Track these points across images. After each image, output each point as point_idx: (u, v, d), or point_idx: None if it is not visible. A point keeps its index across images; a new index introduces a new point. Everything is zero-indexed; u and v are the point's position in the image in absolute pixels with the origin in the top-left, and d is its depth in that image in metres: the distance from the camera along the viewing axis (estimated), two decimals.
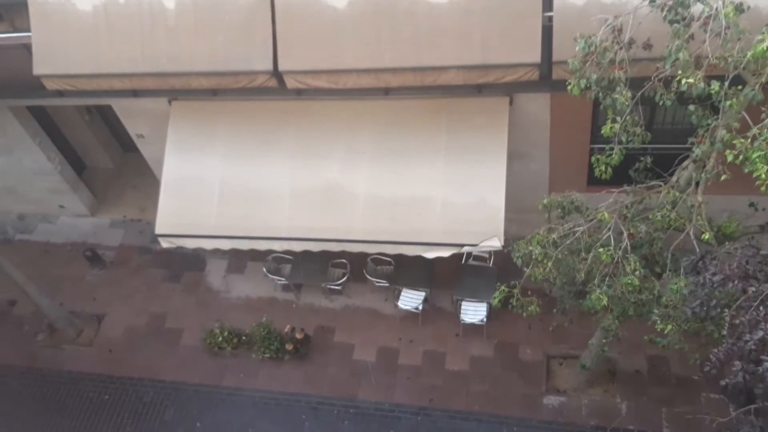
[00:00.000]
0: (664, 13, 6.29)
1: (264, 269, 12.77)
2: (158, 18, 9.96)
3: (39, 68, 10.63)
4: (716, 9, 5.99)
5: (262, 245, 11.05)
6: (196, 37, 9.89)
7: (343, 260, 12.42)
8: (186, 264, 13.88)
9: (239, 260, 13.63)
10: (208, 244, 11.36)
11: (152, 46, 10.05)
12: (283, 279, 12.76)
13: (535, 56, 8.90)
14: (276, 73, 9.91)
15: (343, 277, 12.49)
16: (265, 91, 10.35)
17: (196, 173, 11.10)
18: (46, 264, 14.50)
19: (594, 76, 6.42)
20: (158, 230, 11.16)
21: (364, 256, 11.77)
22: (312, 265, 12.51)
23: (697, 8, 6.20)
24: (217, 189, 11.00)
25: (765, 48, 5.52)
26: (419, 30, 9.25)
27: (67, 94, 11.43)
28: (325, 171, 10.60)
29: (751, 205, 8.20)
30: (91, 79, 10.50)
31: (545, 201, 7.83)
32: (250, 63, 9.84)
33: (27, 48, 10.92)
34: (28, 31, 10.75)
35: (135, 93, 11.06)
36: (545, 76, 9.12)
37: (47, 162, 14.04)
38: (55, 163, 14.23)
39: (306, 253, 11.25)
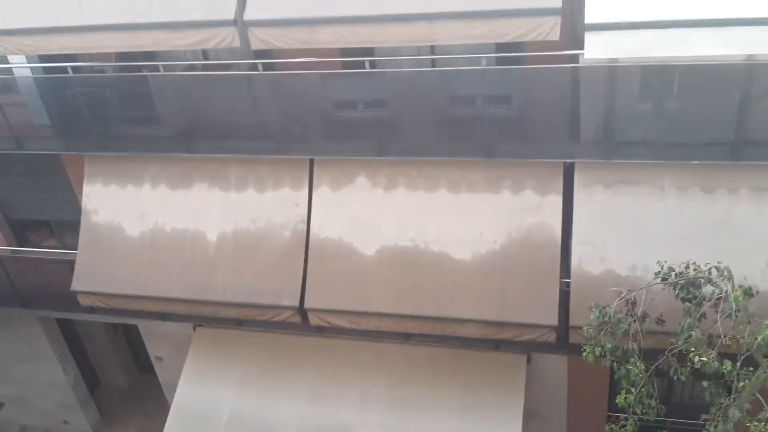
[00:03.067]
0: (677, 291, 6.61)
1: None
2: (199, 248, 10.65)
3: (77, 284, 11.17)
4: (726, 291, 6.29)
5: None
6: (231, 269, 10.45)
7: None
8: None
9: None
10: None
11: (189, 274, 10.62)
12: None
13: (552, 319, 9.16)
14: (301, 310, 10.26)
15: None
16: (288, 325, 10.63)
17: (207, 401, 11.00)
18: None
19: (609, 345, 6.59)
20: None
21: None
22: None
23: (708, 289, 6.52)
24: (225, 418, 10.82)
25: None
26: (441, 282, 9.69)
27: (98, 310, 11.84)
28: (337, 413, 10.46)
29: None
30: (125, 299, 10.95)
31: None
32: (278, 298, 10.25)
33: (70, 264, 11.59)
34: (76, 248, 11.50)
35: (163, 316, 11.43)
36: (562, 339, 9.29)
37: (63, 375, 14.08)
38: (70, 377, 14.26)
39: None
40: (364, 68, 9.39)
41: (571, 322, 9.00)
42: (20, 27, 9.39)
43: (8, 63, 10.59)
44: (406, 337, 10.48)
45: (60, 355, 14.09)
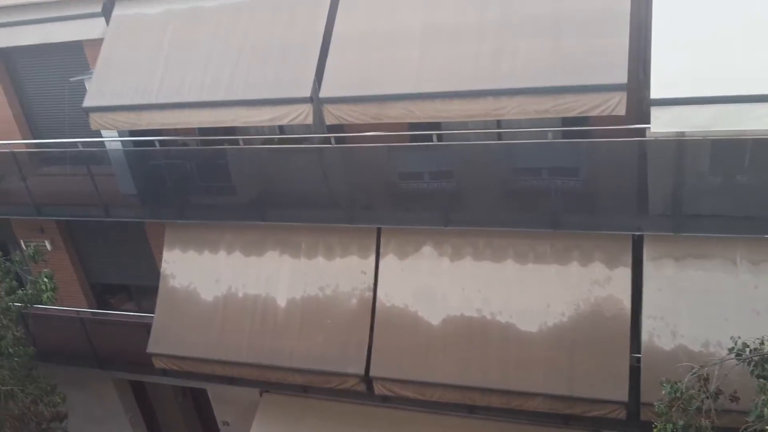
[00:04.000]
0: (751, 367, 6.41)
1: None
2: (269, 314, 10.94)
3: (153, 347, 11.58)
4: None
5: None
6: (298, 335, 10.67)
7: None
8: None
9: None
10: None
11: (258, 339, 10.89)
12: None
13: (623, 395, 8.92)
14: (366, 378, 10.31)
15: None
16: (353, 394, 10.67)
17: None
18: None
19: (681, 423, 6.39)
20: None
21: None
22: None
23: None
24: None
25: None
26: (508, 354, 9.62)
27: (170, 373, 12.19)
28: None
29: None
30: (196, 362, 11.27)
31: None
32: (343, 365, 10.36)
33: (146, 327, 12.05)
34: (151, 312, 11.99)
35: (231, 380, 11.67)
36: (633, 415, 9.01)
37: None
38: None
39: None
40: (432, 141, 9.71)
41: (643, 399, 8.74)
42: (115, 104, 10.19)
43: (101, 137, 11.40)
44: (470, 410, 10.35)
45: (131, 417, 14.47)
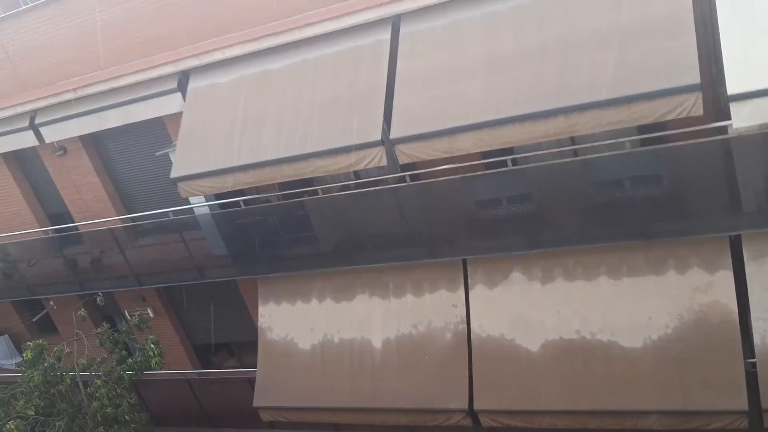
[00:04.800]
0: None
1: None
2: (366, 356, 11.04)
3: (259, 400, 11.86)
4: None
5: None
6: (398, 375, 10.71)
7: None
8: None
9: None
10: None
11: (358, 382, 10.99)
12: None
13: (742, 403, 8.48)
14: (471, 412, 10.21)
15: None
16: (460, 429, 10.57)
17: None
18: None
19: None
20: None
21: None
22: None
23: None
24: None
25: None
26: (614, 373, 9.33)
27: (277, 425, 12.42)
28: None
29: None
30: (302, 413, 11.46)
31: None
32: (446, 401, 10.30)
33: (250, 382, 12.37)
34: (253, 366, 12.30)
35: (337, 427, 11.78)
36: (755, 424, 8.55)
37: None
38: None
39: None
40: (506, 166, 9.70)
41: (764, 405, 8.30)
42: (199, 172, 10.70)
43: (189, 204, 11.96)
44: None
45: None
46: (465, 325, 10.43)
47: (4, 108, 12.98)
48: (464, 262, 10.55)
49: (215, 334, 14.76)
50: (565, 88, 8.50)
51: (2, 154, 13.88)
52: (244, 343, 14.00)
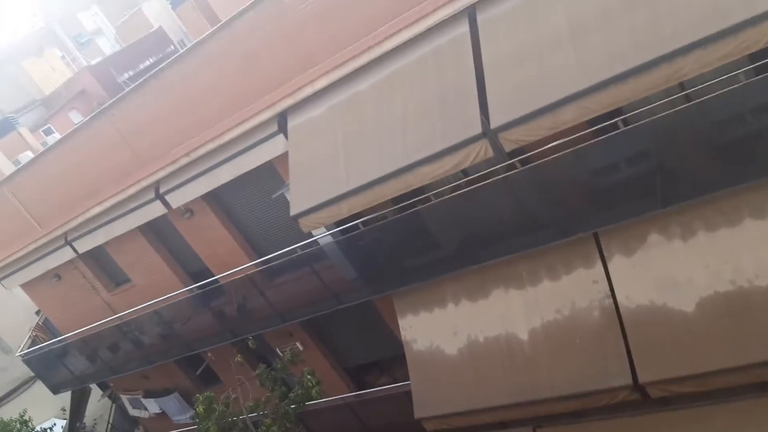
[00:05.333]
0: None
1: None
2: (515, 350, 10.90)
3: (419, 412, 11.97)
4: None
5: None
6: (552, 363, 10.48)
7: None
8: None
9: None
10: None
11: (513, 377, 10.85)
12: None
13: None
14: (637, 386, 9.81)
15: None
16: (628, 405, 10.18)
17: None
18: None
19: None
20: None
21: None
22: None
23: None
24: None
25: None
26: None
27: None
28: None
29: None
30: (463, 417, 11.45)
31: None
32: (609, 380, 9.95)
33: (407, 395, 12.52)
34: (406, 380, 12.45)
35: (502, 425, 11.66)
36: None
37: None
38: None
39: None
40: (618, 128, 9.31)
41: None
42: (316, 204, 11.01)
43: (313, 236, 12.36)
44: (761, 388, 9.39)
45: None
46: (611, 299, 10.06)
47: (131, 186, 13.98)
48: (596, 235, 10.20)
49: (364, 355, 15.11)
50: (661, 35, 8.06)
51: (138, 228, 14.93)
52: (393, 358, 14.20)
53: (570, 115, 8.83)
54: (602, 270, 10.15)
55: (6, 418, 17.92)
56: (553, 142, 9.61)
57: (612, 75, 8.39)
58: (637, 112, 9.35)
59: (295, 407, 12.39)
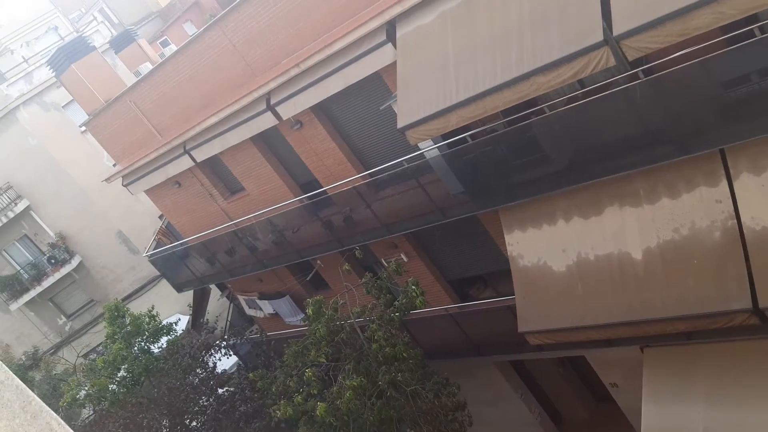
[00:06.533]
0: None
1: None
2: (627, 269, 10.60)
3: (523, 326, 12.01)
4: None
5: None
6: (666, 284, 10.14)
7: None
8: None
9: None
10: None
11: (624, 296, 10.61)
12: None
13: None
14: (756, 311, 9.35)
15: None
16: (745, 330, 9.77)
17: (677, 421, 10.61)
18: None
19: None
20: None
21: None
22: None
23: None
24: None
25: None
26: None
27: (545, 348, 12.53)
28: None
29: None
30: (569, 333, 11.40)
31: None
32: (726, 303, 9.55)
33: (510, 309, 12.57)
34: (511, 294, 12.46)
35: (608, 342, 11.54)
36: None
37: (528, 413, 15.09)
38: (536, 415, 15.20)
39: None
40: (754, 36, 8.48)
41: None
42: (424, 116, 10.87)
43: (419, 149, 12.28)
44: None
45: (522, 395, 15.16)
46: (735, 221, 9.50)
47: (243, 97, 14.29)
48: (722, 152, 9.54)
49: (467, 269, 15.19)
50: None
51: (251, 138, 15.37)
52: (496, 273, 14.21)
53: (703, 21, 8.11)
54: (727, 189, 9.54)
55: (136, 312, 19.51)
56: (680, 50, 8.91)
57: None
58: None
59: (400, 315, 12.73)
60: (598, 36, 8.83)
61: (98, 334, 26.29)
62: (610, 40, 8.79)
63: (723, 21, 8.15)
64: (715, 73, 9.23)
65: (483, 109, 10.36)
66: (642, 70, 9.56)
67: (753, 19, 8.61)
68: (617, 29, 8.66)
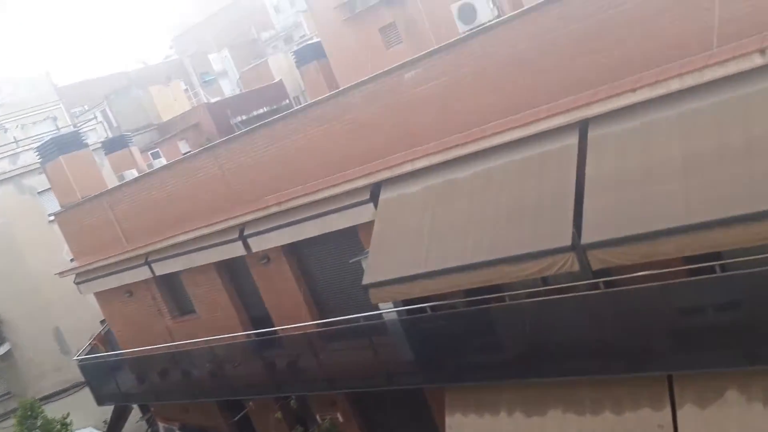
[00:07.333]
0: None
1: None
2: None
3: None
4: None
5: None
6: None
7: None
8: None
9: None
10: None
11: None
12: None
13: None
14: None
15: None
16: None
17: None
18: None
19: None
20: None
21: None
22: None
23: None
24: None
25: None
26: None
27: None
28: None
29: None
30: None
31: None
32: None
33: None
34: None
35: None
36: None
37: None
38: None
39: None
40: (714, 273, 8.89)
41: None
42: (390, 278, 10.98)
43: (378, 309, 12.25)
44: None
45: None
46: None
47: (219, 222, 14.42)
48: (670, 378, 9.62)
49: None
50: None
51: (215, 263, 15.29)
52: None
53: (668, 248, 8.53)
54: (670, 416, 9.50)
55: (50, 416, 18.27)
56: (642, 270, 9.27)
57: (719, 218, 8.07)
58: (737, 261, 8.92)
59: None
60: (566, 240, 9.20)
61: (5, 431, 24.33)
62: (578, 247, 9.15)
63: (688, 252, 8.56)
64: (673, 299, 9.53)
65: (448, 284, 10.53)
66: (603, 282, 9.85)
67: (716, 255, 9.05)
68: (586, 238, 9.04)
